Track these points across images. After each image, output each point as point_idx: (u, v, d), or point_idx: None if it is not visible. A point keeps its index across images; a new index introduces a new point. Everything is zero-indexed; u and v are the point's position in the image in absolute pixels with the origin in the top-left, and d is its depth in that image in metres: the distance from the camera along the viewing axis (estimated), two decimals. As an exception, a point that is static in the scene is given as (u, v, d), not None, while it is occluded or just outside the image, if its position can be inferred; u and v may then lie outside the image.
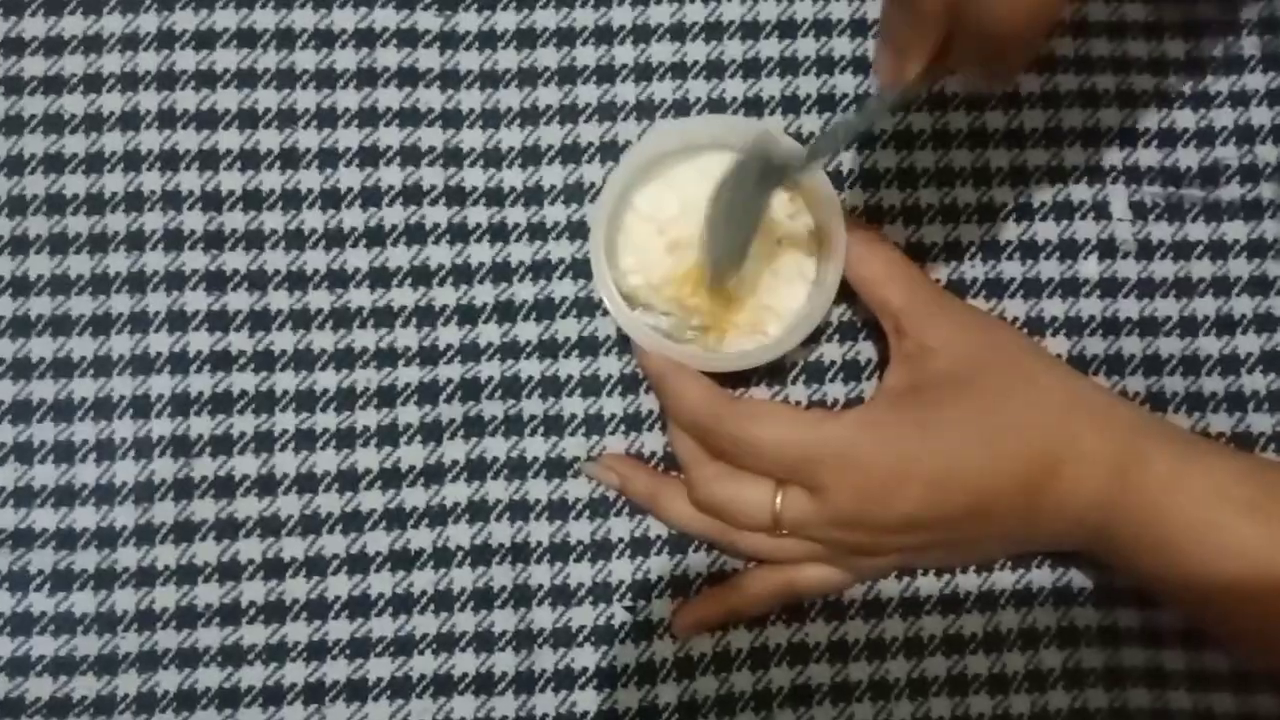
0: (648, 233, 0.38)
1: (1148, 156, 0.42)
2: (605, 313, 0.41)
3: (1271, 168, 0.42)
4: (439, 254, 0.41)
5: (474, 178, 0.42)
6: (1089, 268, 0.42)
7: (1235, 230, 0.42)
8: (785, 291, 0.38)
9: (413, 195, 0.41)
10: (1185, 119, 0.43)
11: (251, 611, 0.39)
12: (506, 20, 0.42)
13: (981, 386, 0.36)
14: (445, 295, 0.41)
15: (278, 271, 0.41)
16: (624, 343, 0.41)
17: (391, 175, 0.41)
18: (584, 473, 0.40)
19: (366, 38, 0.42)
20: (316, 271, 0.41)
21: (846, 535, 0.36)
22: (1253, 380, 0.41)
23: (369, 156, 0.41)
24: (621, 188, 0.38)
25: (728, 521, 0.37)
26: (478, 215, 0.41)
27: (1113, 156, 0.42)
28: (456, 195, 0.41)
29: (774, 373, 0.41)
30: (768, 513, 0.36)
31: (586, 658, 0.40)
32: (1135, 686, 0.39)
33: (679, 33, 0.42)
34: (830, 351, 0.41)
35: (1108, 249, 0.42)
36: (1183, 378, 0.41)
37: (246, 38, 0.42)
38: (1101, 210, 0.42)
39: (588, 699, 0.39)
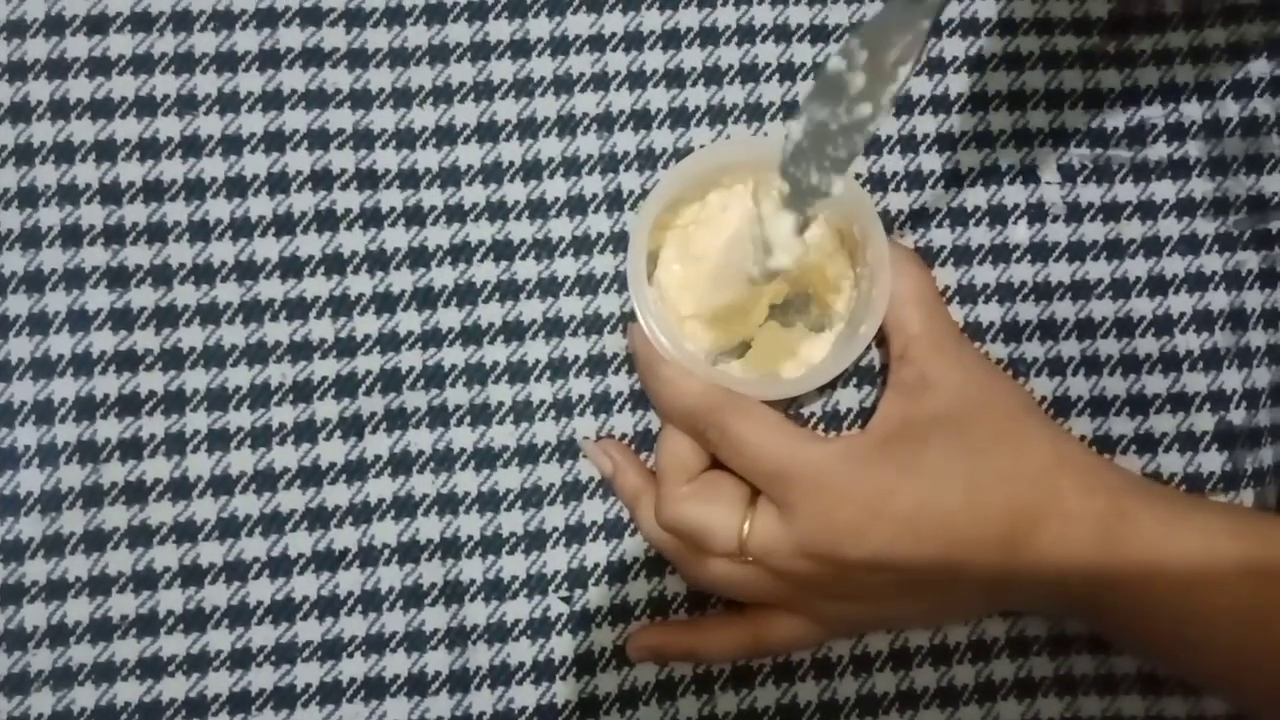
0: (686, 258, 0.38)
1: (1074, 118, 0.42)
2: (528, 296, 0.40)
3: (1197, 125, 0.42)
4: (352, 240, 0.40)
5: (386, 159, 0.40)
6: (1019, 232, 0.41)
7: (1164, 190, 0.42)
8: (815, 330, 0.39)
9: (322, 180, 0.40)
10: (1110, 79, 0.42)
11: (170, 621, 0.38)
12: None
13: (971, 432, 0.35)
14: (360, 283, 0.39)
15: (183, 265, 0.39)
16: (551, 327, 0.40)
17: (299, 160, 0.40)
18: (583, 451, 0.39)
19: (268, 17, 0.40)
20: (224, 264, 0.39)
21: (813, 568, 0.34)
22: (1186, 340, 0.41)
23: (275, 141, 0.40)
24: (661, 207, 0.37)
25: (692, 544, 0.36)
26: (391, 199, 0.40)
27: (1039, 119, 0.42)
28: (368, 179, 0.40)
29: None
30: (734, 538, 0.35)
31: (523, 652, 0.38)
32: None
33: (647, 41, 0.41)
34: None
35: (1037, 213, 0.41)
36: (1117, 340, 0.41)
37: (141, 22, 0.40)
38: (1030, 174, 0.41)
39: (525, 694, 0.38)
